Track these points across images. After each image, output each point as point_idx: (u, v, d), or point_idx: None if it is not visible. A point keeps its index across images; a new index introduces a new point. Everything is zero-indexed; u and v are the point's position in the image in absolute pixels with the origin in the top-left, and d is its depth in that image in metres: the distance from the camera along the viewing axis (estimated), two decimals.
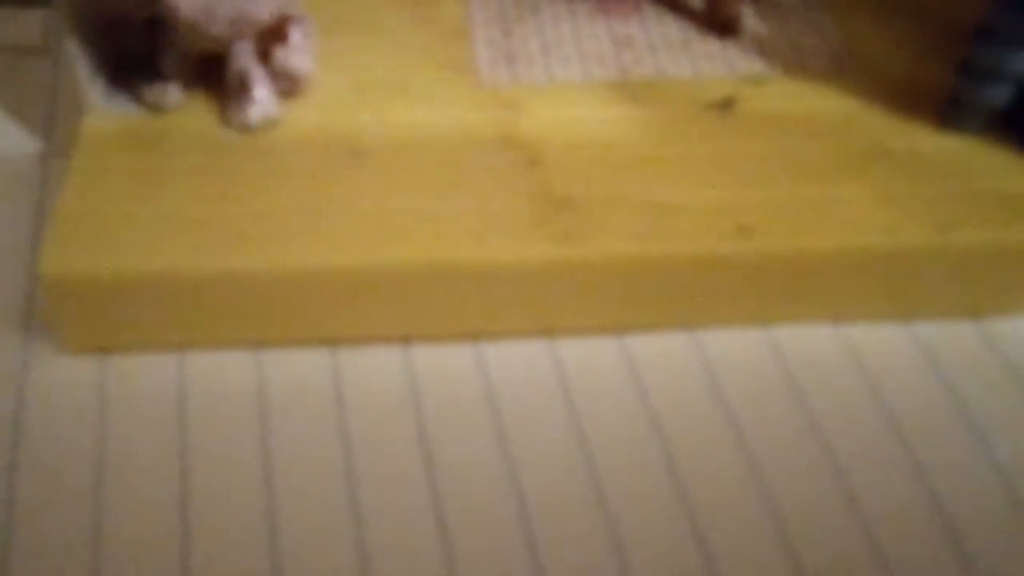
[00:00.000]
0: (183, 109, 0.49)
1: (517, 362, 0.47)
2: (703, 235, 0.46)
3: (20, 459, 0.42)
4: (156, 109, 0.49)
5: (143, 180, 0.46)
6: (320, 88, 0.51)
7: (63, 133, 0.54)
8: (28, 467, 0.42)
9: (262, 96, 0.48)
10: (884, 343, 0.48)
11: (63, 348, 0.45)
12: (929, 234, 0.46)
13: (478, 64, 0.54)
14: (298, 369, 0.46)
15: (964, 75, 0.49)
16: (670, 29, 0.58)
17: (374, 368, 0.46)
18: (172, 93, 0.48)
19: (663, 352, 0.48)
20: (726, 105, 0.52)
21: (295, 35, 0.48)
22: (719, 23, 0.57)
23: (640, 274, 0.46)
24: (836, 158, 0.49)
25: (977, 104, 0.49)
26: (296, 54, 0.48)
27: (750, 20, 0.58)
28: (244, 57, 0.47)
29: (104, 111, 0.49)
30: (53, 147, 0.54)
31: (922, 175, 0.49)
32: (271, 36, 0.47)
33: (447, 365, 0.47)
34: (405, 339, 0.47)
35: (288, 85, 0.49)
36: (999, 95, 0.49)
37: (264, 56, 0.48)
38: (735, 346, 0.48)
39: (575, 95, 0.53)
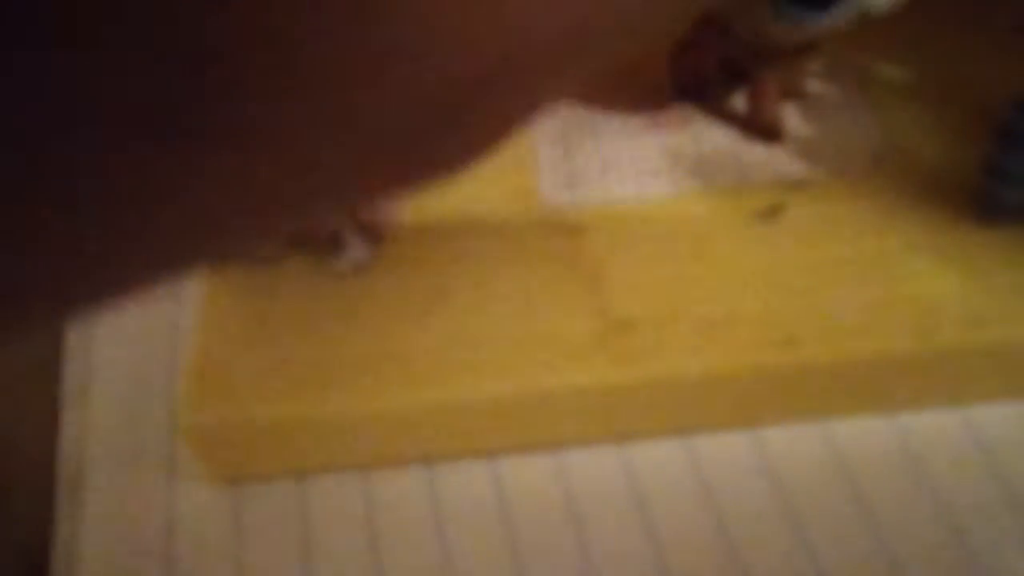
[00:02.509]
0: (287, 262, 0.56)
1: (592, 468, 0.52)
2: (753, 347, 0.50)
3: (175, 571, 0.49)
4: (270, 264, 0.56)
5: (257, 328, 0.53)
6: (401, 228, 0.57)
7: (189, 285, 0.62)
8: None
9: (352, 246, 0.55)
10: (933, 429, 0.52)
11: (200, 480, 0.52)
12: (960, 331, 0.49)
13: (542, 190, 0.60)
14: (399, 487, 0.52)
15: (989, 176, 0.52)
16: (718, 138, 0.63)
17: (465, 481, 0.52)
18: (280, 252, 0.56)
19: (725, 451, 0.52)
20: (772, 213, 0.57)
21: None
22: (761, 129, 0.62)
23: (695, 387, 0.51)
24: (873, 260, 0.53)
25: (1006, 202, 0.52)
26: (380, 209, 0.55)
27: (794, 122, 0.62)
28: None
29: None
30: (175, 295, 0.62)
31: (956, 272, 0.52)
32: None
33: (530, 474, 0.52)
34: (492, 454, 0.53)
35: (375, 234, 0.56)
36: None
37: (352, 211, 0.55)
38: (793, 443, 0.52)
39: (631, 212, 0.58)
